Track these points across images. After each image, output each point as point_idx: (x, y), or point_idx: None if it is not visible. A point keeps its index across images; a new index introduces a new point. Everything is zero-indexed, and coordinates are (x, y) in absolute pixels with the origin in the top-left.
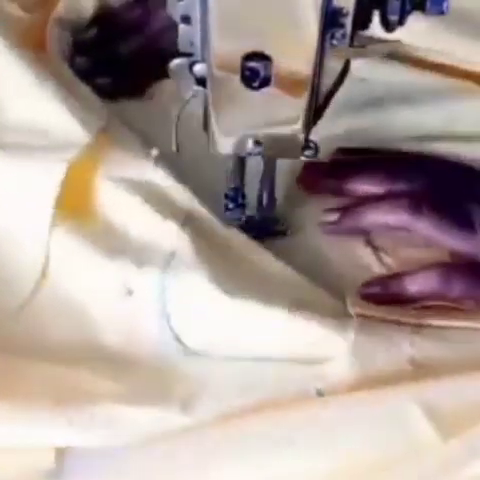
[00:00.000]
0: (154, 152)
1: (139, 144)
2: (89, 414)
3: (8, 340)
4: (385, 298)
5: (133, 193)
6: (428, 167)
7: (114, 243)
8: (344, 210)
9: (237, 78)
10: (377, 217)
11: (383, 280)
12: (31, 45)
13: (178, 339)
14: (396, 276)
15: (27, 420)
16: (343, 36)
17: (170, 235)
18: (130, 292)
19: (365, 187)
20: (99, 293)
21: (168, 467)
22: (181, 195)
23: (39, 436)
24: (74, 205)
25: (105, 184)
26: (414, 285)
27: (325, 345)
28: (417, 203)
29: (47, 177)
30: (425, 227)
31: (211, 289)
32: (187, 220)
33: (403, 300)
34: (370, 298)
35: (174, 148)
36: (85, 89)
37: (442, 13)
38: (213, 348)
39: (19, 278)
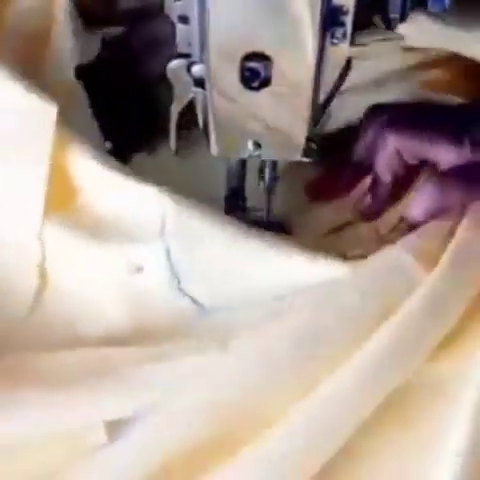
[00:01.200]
0: (107, 145)
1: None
2: (131, 380)
3: (21, 341)
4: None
5: (106, 167)
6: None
7: (104, 225)
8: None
9: (236, 79)
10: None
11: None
12: None
13: (194, 301)
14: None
15: (73, 402)
16: (344, 35)
17: (153, 199)
18: (140, 269)
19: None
20: (104, 279)
21: None
22: None
23: (87, 414)
24: (56, 192)
25: (79, 162)
26: (417, 208)
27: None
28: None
29: (32, 173)
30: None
31: (215, 233)
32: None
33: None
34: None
35: (173, 148)
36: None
37: (444, 10)
38: (230, 300)
39: (19, 286)
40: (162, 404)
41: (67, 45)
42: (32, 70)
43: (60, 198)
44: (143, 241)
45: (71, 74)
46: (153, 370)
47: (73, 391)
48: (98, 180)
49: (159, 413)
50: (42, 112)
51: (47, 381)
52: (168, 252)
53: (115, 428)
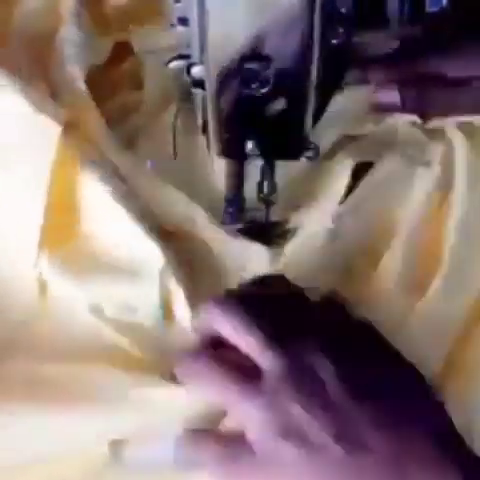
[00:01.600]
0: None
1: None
2: (131, 402)
3: (21, 350)
4: None
5: (114, 199)
6: None
7: (102, 260)
8: None
9: (236, 79)
10: None
11: None
12: None
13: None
14: None
15: (74, 424)
16: (343, 35)
17: (156, 250)
18: (134, 310)
19: None
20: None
21: None
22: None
23: (90, 434)
24: (54, 221)
25: (86, 185)
26: None
27: None
28: None
29: (33, 188)
30: None
31: None
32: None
33: None
34: None
35: (173, 148)
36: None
37: (442, 10)
38: None
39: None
40: (165, 426)
41: (73, 47)
42: (38, 72)
43: (56, 230)
44: (141, 283)
45: (78, 77)
46: (155, 392)
47: (77, 411)
48: (98, 208)
49: (163, 434)
50: (45, 130)
51: (48, 396)
52: (163, 291)
53: (119, 447)
